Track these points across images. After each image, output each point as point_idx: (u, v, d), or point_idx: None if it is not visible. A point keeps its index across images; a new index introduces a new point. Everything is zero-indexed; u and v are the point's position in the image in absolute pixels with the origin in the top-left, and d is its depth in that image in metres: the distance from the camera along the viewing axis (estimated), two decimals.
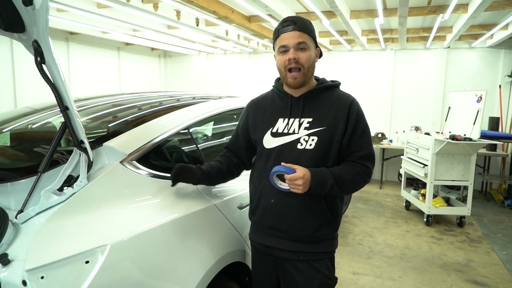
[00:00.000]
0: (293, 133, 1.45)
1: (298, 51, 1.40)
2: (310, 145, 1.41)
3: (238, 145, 1.67)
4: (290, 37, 1.39)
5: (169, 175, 1.51)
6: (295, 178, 1.33)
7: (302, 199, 1.43)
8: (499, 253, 3.66)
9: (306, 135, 1.42)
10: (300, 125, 1.45)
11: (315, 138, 1.41)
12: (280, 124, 1.49)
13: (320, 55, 1.54)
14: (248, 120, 1.62)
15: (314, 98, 1.48)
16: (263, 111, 1.58)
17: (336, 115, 1.43)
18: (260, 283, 1.64)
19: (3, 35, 1.16)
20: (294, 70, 1.42)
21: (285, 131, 1.46)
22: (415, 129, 5.00)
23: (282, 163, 1.40)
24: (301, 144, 1.42)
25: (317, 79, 1.57)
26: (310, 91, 1.48)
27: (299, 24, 1.40)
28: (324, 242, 1.49)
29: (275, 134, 1.49)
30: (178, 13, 4.52)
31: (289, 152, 1.43)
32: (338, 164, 1.46)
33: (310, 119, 1.44)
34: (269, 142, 1.49)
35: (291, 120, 1.47)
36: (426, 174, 4.31)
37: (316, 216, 1.45)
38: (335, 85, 1.53)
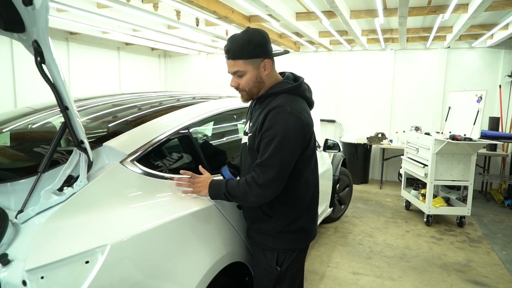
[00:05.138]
0: (248, 133, 1.64)
1: (237, 78, 1.52)
2: (249, 146, 1.61)
3: None
4: (228, 66, 1.52)
5: (168, 175, 1.57)
6: (197, 181, 1.60)
7: None
8: (499, 253, 3.66)
9: (247, 137, 1.63)
10: (249, 127, 1.64)
11: (247, 142, 1.61)
12: (247, 125, 1.70)
13: (279, 54, 1.58)
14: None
15: (261, 103, 1.59)
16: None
17: (259, 122, 1.51)
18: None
19: (3, 35, 1.15)
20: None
21: (247, 131, 1.67)
22: (415, 129, 4.99)
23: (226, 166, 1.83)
24: (246, 144, 1.64)
25: (283, 75, 1.62)
26: (258, 97, 1.59)
27: (232, 52, 1.48)
28: (264, 236, 1.63)
29: (244, 133, 1.71)
30: (178, 13, 4.52)
31: (244, 150, 1.67)
32: None
33: (251, 123, 1.62)
34: (243, 139, 1.72)
35: (249, 122, 1.67)
36: (426, 174, 4.31)
37: (251, 211, 1.68)
38: (278, 91, 1.53)
